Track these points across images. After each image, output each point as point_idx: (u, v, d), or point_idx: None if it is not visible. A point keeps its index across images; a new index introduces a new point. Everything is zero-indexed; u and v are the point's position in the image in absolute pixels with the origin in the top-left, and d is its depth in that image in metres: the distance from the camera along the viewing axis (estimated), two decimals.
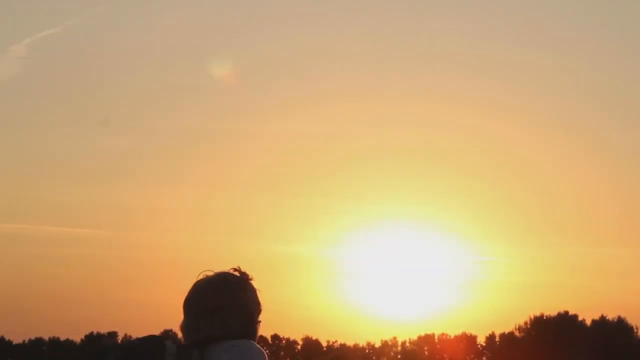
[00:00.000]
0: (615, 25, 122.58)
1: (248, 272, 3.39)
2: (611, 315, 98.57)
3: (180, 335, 3.40)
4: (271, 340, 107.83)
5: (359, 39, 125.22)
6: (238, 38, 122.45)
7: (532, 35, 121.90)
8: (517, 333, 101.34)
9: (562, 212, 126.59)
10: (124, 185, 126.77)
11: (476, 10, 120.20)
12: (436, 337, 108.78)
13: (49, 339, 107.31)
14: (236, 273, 3.36)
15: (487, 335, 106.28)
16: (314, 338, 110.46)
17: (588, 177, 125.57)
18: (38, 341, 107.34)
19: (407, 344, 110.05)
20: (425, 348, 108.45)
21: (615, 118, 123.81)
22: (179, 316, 3.38)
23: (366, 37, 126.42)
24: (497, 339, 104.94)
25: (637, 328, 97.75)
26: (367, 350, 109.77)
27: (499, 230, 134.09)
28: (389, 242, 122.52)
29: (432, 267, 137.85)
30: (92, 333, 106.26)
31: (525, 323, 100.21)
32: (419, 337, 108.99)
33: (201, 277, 3.36)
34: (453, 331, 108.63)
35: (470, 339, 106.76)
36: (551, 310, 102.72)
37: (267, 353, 3.28)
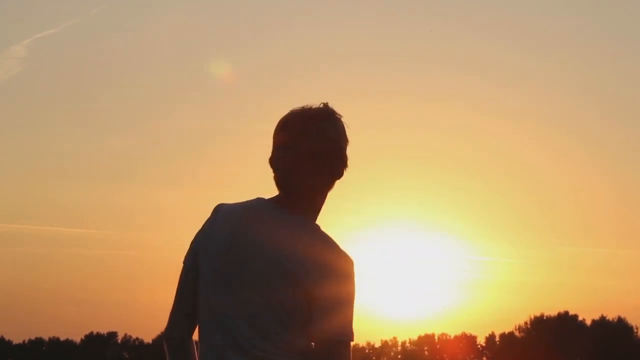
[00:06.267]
0: (615, 26, 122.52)
1: None
2: (611, 315, 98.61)
3: None
4: None
5: (359, 41, 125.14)
6: (239, 39, 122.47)
7: (531, 36, 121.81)
8: (517, 333, 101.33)
9: (561, 212, 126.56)
10: (125, 185, 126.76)
11: (476, 12, 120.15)
12: (436, 337, 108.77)
13: (49, 339, 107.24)
14: None
15: (487, 335, 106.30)
16: None
17: (587, 177, 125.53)
18: (38, 341, 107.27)
19: (407, 344, 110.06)
20: (425, 348, 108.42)
21: (615, 118, 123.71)
22: None
23: (366, 39, 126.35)
24: (497, 339, 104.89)
25: (637, 328, 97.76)
26: (367, 350, 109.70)
27: (499, 230, 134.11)
28: (389, 242, 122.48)
29: (432, 267, 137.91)
30: (92, 333, 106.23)
31: (525, 323, 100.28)
32: (419, 337, 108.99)
33: None
34: (453, 331, 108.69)
35: (470, 339, 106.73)
36: (551, 310, 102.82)
37: None
